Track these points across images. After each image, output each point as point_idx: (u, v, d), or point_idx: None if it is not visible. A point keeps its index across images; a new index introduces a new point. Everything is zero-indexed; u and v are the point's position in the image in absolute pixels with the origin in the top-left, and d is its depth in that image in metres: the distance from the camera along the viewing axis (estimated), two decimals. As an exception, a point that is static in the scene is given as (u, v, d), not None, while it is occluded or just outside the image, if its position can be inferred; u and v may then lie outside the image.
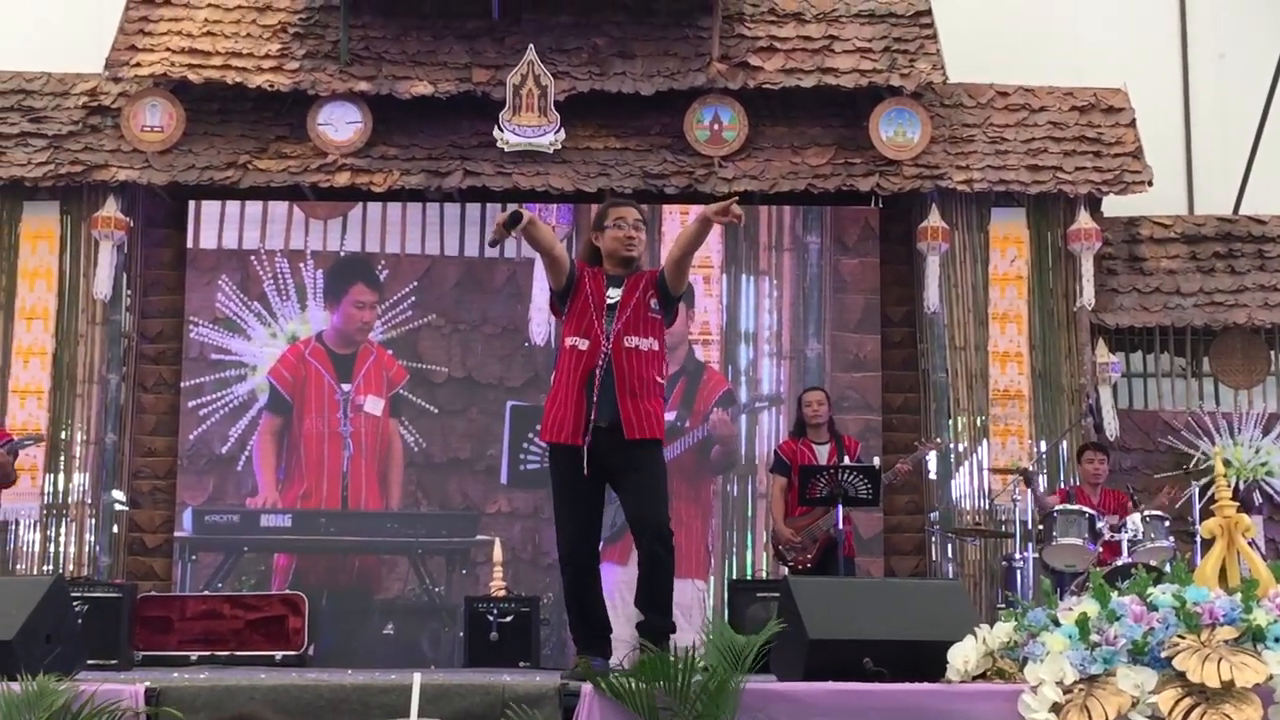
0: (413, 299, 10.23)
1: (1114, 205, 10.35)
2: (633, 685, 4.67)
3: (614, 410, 5.45)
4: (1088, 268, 9.97)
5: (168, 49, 9.99)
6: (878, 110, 10.04)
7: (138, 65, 9.91)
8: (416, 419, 10.11)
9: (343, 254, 10.26)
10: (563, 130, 9.91)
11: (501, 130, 9.88)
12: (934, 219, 9.98)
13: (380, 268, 10.26)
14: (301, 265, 10.24)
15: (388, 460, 10.09)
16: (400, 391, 10.14)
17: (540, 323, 10.12)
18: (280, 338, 10.21)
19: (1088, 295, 9.95)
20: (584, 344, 5.52)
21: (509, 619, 8.96)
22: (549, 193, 10.03)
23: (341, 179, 9.96)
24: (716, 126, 10.06)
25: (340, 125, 10.00)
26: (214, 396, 10.14)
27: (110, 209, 9.90)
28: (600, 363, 5.47)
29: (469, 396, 10.13)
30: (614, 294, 5.60)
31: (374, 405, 10.12)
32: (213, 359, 10.16)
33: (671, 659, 4.72)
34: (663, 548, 5.49)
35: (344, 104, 9.99)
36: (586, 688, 4.77)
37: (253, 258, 10.19)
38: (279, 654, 9.19)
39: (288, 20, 10.21)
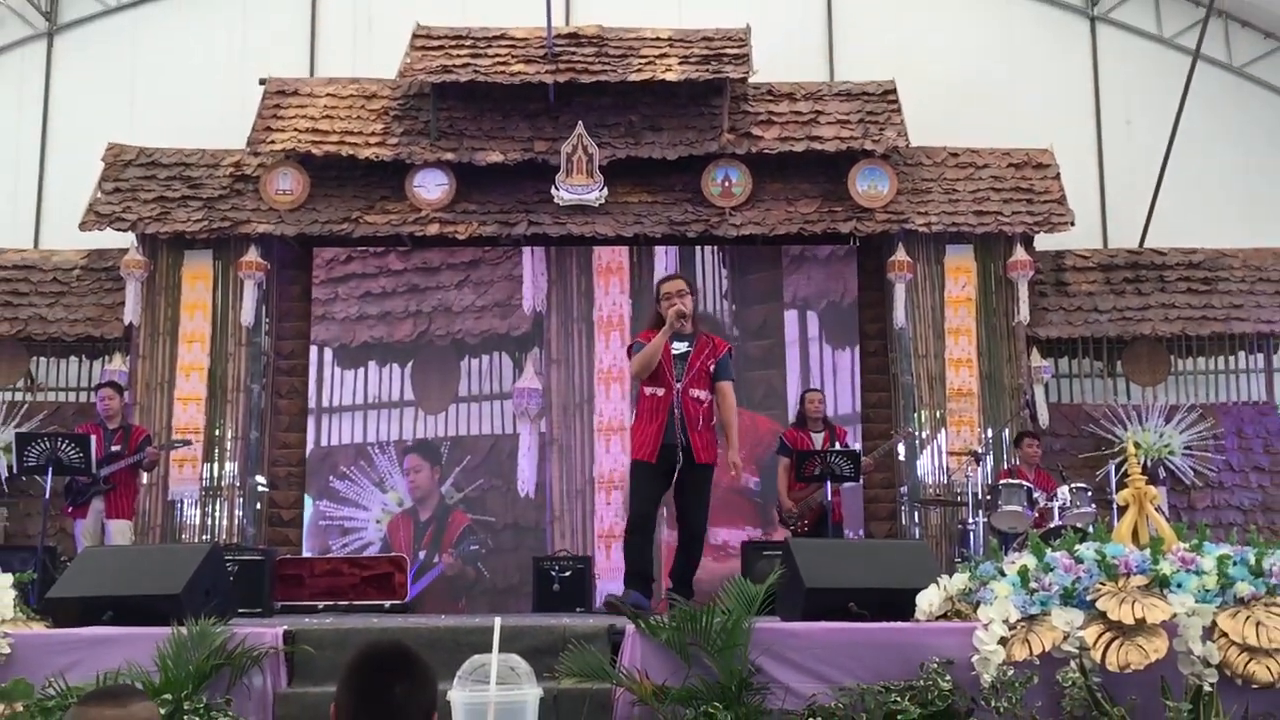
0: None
1: (1043, 241, 10.31)
2: (667, 624, 4.68)
3: (686, 439, 5.99)
4: (1023, 291, 9.93)
5: (295, 129, 10.06)
6: (855, 169, 10.03)
7: (272, 142, 9.99)
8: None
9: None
10: (606, 188, 9.93)
11: (557, 189, 9.91)
12: (900, 254, 9.96)
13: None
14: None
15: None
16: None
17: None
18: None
19: (1024, 313, 9.90)
20: (660, 391, 6.08)
21: (568, 574, 8.98)
22: (595, 238, 10.05)
23: (432, 229, 10.00)
24: (727, 183, 10.06)
25: (431, 187, 10.04)
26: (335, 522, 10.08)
27: (252, 255, 9.97)
28: (672, 406, 6.01)
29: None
30: (679, 346, 6.11)
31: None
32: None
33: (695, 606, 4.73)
34: (696, 543, 6.12)
35: (434, 170, 10.03)
36: (630, 627, 4.78)
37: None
38: (387, 603, 9.23)
39: (389, 105, 10.27)
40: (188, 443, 9.24)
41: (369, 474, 10.07)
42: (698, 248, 10.19)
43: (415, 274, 10.31)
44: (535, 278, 10.26)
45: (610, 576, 9.37)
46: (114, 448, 8.27)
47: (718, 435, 6.24)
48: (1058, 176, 10.20)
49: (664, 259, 10.24)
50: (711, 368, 6.15)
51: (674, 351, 6.10)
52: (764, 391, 10.16)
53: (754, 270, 10.28)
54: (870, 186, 10.01)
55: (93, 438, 7.99)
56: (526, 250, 10.25)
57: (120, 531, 8.19)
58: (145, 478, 9.18)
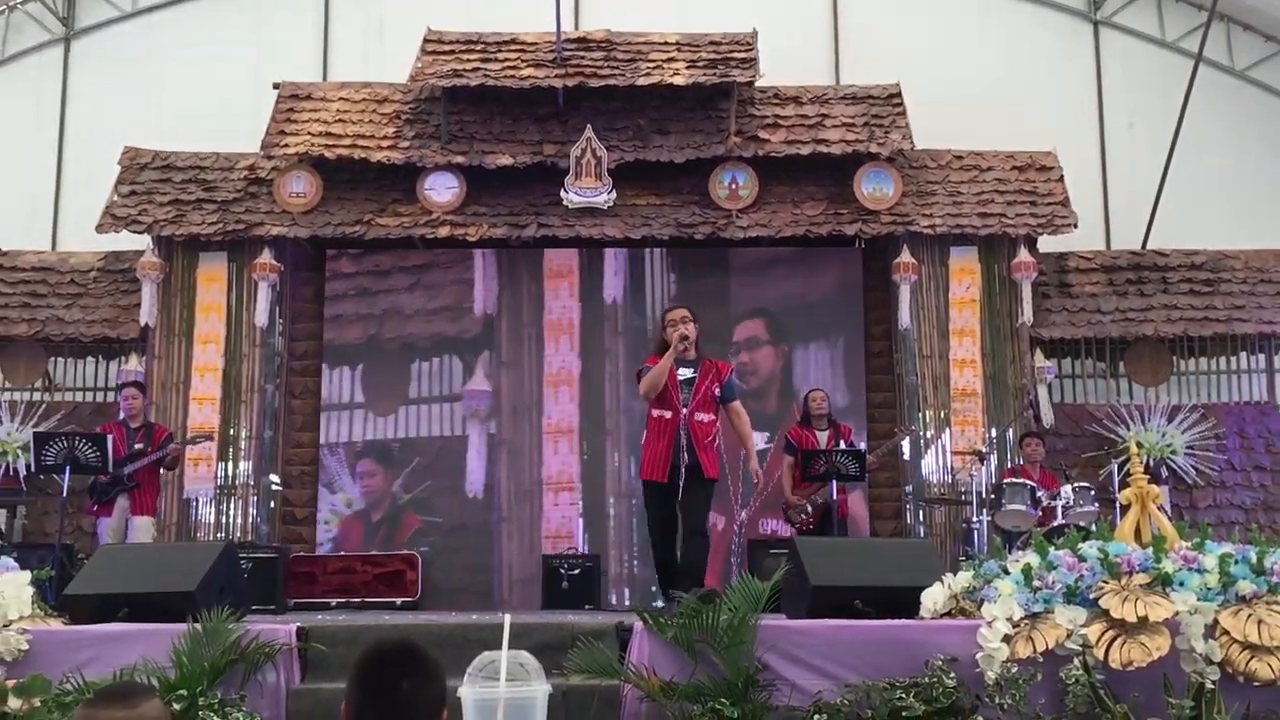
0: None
1: (1047, 243, 10.28)
2: (674, 622, 4.68)
3: (694, 458, 6.30)
4: (1027, 292, 9.90)
5: (309, 133, 10.07)
6: (860, 171, 10.01)
7: (286, 146, 10.00)
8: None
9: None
10: (614, 191, 9.92)
11: (566, 191, 9.91)
12: (905, 256, 9.94)
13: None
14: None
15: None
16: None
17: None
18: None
19: (1027, 314, 9.88)
20: (667, 414, 6.39)
21: (577, 571, 8.99)
22: (604, 239, 10.05)
23: (443, 231, 10.01)
24: (734, 186, 10.05)
25: (442, 190, 10.04)
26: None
27: (266, 257, 9.98)
28: (678, 429, 6.33)
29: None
30: (684, 372, 6.43)
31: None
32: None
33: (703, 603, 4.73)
34: (697, 537, 6.36)
35: (445, 173, 10.03)
36: (638, 624, 4.78)
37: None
38: (399, 600, 9.25)
39: (400, 109, 10.28)
40: (209, 438, 9.25)
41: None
42: (647, 252, 10.20)
43: (366, 277, 10.32)
44: (486, 281, 10.28)
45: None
46: (137, 445, 8.29)
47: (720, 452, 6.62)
48: (1061, 179, 10.17)
49: (614, 263, 10.27)
50: (716, 392, 6.52)
51: (680, 377, 6.44)
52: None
53: (702, 276, 10.26)
54: (876, 189, 9.99)
55: (110, 437, 8.01)
56: (478, 254, 10.25)
57: (144, 528, 8.21)
58: (165, 475, 9.16)
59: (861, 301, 10.34)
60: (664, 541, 6.46)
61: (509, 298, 10.32)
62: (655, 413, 6.48)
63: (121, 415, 8.41)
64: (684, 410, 6.40)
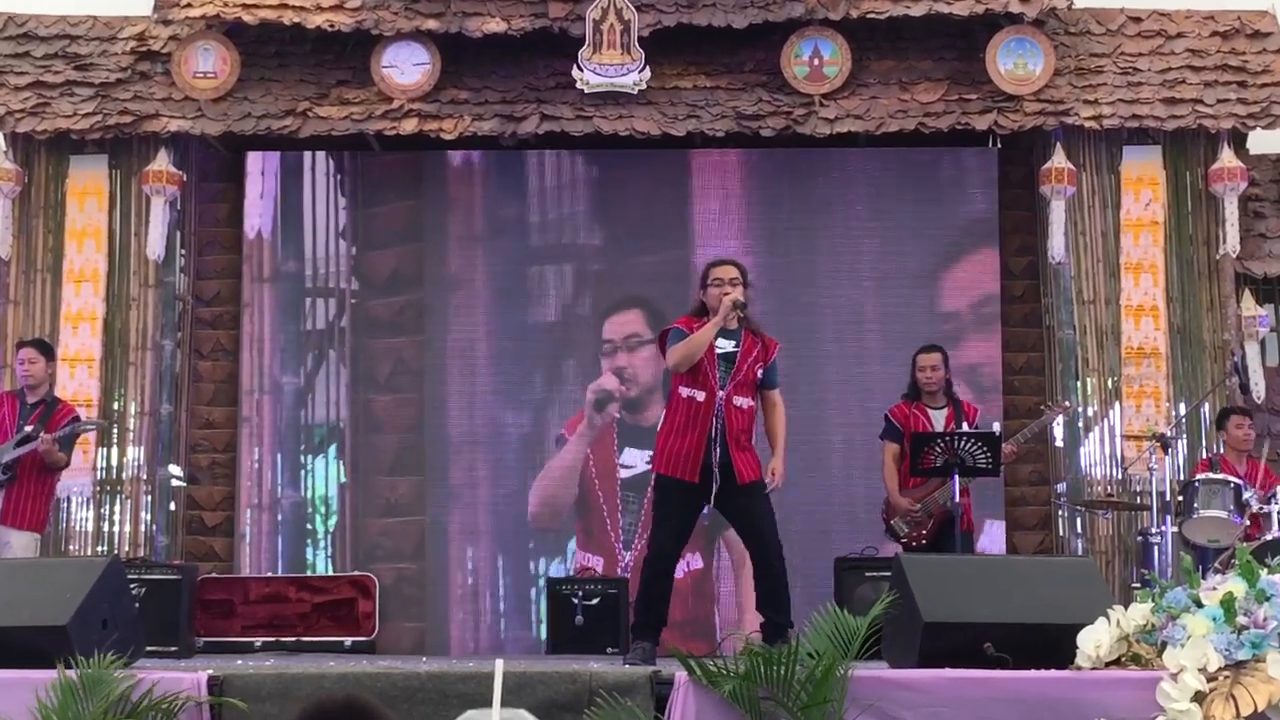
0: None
1: (1261, 141, 10.19)
2: (731, 672, 4.69)
3: (726, 457, 6.74)
4: (1231, 211, 9.81)
5: (220, -12, 10.07)
6: (995, 40, 9.92)
7: (188, 6, 9.97)
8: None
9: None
10: (648, 69, 9.87)
11: (581, 70, 9.86)
12: (1059, 160, 9.86)
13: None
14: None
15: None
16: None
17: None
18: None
19: (1232, 242, 9.79)
20: (700, 395, 6.82)
21: (595, 601, 9.02)
22: (633, 138, 10.01)
23: (408, 126, 10.00)
24: (816, 62, 9.98)
25: (406, 68, 10.02)
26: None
27: (162, 162, 10.00)
28: (715, 416, 6.76)
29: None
30: (724, 344, 6.87)
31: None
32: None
33: (773, 647, 4.74)
34: (778, 560, 6.83)
35: (410, 44, 10.00)
36: (681, 675, 4.80)
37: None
38: (348, 639, 9.32)
39: (349, -47, 10.24)
40: (103, 425, 9.32)
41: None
42: (691, 155, 10.20)
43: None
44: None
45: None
46: (28, 427, 8.36)
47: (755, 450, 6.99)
48: (1282, 49, 10.08)
49: (646, 170, 10.37)
50: (759, 373, 6.96)
51: (719, 350, 6.86)
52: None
53: (772, 185, 10.35)
54: (1017, 65, 9.90)
55: None
56: (455, 157, 10.33)
57: (22, 548, 8.26)
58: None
59: (996, 224, 10.30)
60: (663, 563, 6.91)
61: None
62: (684, 392, 6.86)
63: (20, 385, 8.54)
64: (720, 392, 6.79)
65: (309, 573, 10.03)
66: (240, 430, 10.27)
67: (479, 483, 10.17)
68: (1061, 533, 9.77)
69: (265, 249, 10.45)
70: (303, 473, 10.34)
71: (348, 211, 10.51)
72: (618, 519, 9.96)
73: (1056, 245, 9.85)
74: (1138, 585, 7.65)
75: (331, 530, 10.24)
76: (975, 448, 8.07)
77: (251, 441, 10.29)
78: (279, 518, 10.25)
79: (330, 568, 10.09)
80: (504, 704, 3.89)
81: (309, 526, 10.28)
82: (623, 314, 10.35)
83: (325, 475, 10.32)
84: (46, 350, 8.82)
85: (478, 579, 10.12)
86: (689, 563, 9.62)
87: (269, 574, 9.86)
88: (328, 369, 10.40)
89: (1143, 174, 10.05)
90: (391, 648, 9.72)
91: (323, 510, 10.30)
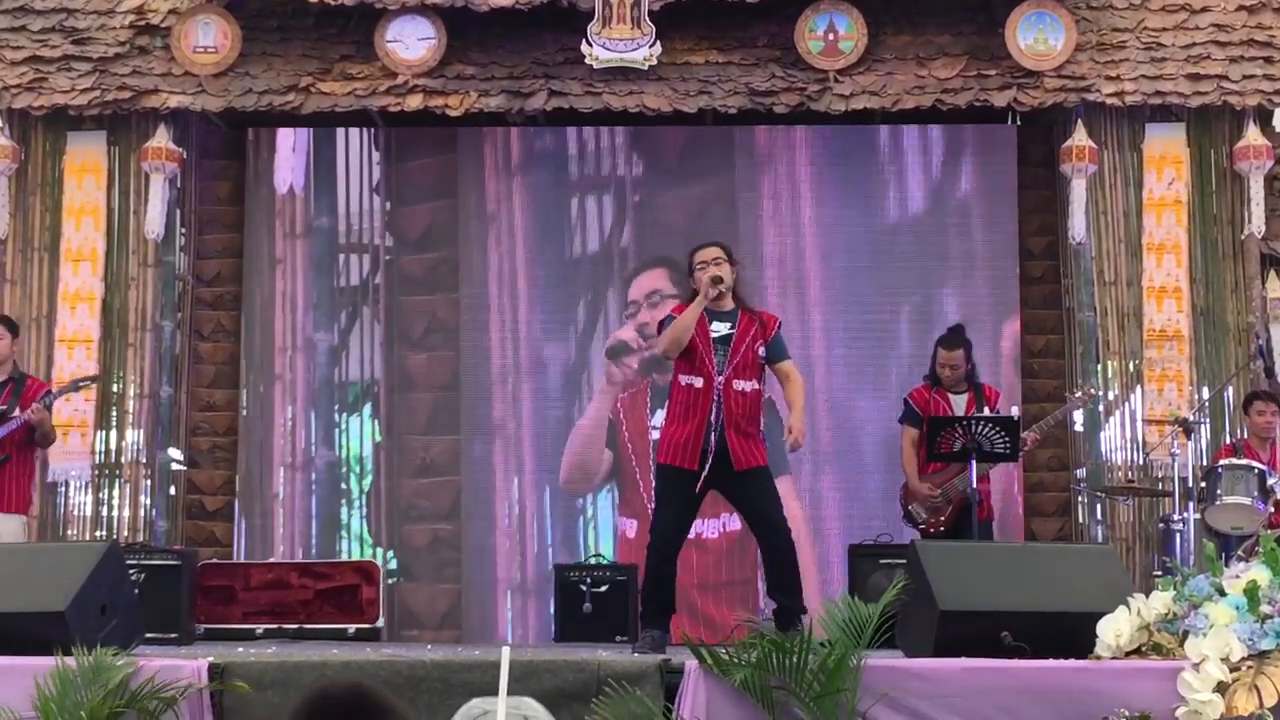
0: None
1: (1288, 118, 10.15)
2: (742, 660, 4.70)
3: (723, 443, 6.84)
4: (1257, 190, 9.78)
5: (221, -40, 10.06)
6: (1015, 14, 9.88)
7: (188, -21, 10.00)
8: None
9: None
10: (658, 44, 9.84)
11: (590, 45, 9.84)
12: (1080, 137, 9.83)
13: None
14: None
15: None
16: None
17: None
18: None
19: (1257, 221, 9.76)
20: (698, 382, 6.92)
21: (604, 588, 9.03)
22: (644, 114, 10.00)
23: (413, 102, 9.99)
24: (831, 36, 9.96)
25: (411, 42, 10.00)
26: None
27: (161, 139, 10.00)
28: (714, 402, 6.86)
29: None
30: (718, 327, 6.97)
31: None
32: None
33: (786, 634, 4.75)
34: (785, 540, 6.96)
35: (415, 18, 9.98)
36: (691, 664, 4.82)
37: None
38: (352, 627, 9.33)
39: (352, -75, 10.22)
40: (94, 379, 9.31)
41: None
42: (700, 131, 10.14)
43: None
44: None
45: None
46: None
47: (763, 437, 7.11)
48: (1310, 23, 10.04)
49: (657, 145, 10.36)
50: (761, 351, 7.03)
51: (714, 334, 6.96)
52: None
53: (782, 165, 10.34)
54: (1037, 39, 9.87)
55: None
56: (462, 133, 10.37)
57: (9, 532, 8.26)
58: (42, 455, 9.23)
59: (1015, 203, 10.29)
60: (668, 549, 7.01)
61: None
62: (683, 380, 7.00)
63: None
64: (719, 378, 6.89)
65: (343, 534, 10.14)
66: (273, 387, 10.32)
67: (522, 412, 10.23)
68: (1081, 519, 9.77)
69: (297, 204, 10.50)
70: (337, 431, 10.40)
71: (381, 167, 10.55)
72: (650, 481, 9.88)
73: (1077, 225, 9.82)
74: (1159, 573, 7.64)
75: (366, 490, 10.30)
76: (994, 433, 8.07)
77: (284, 400, 10.36)
78: (312, 478, 10.31)
79: (365, 528, 10.17)
80: (511, 693, 3.89)
81: (344, 486, 10.34)
82: (648, 273, 10.38)
83: (360, 434, 10.37)
84: (11, 326, 8.81)
85: (523, 509, 10.17)
86: (725, 523, 9.67)
87: (271, 559, 9.88)
88: (361, 326, 10.45)
89: (1166, 152, 10.02)
90: (425, 611, 9.93)
91: (357, 470, 10.38)
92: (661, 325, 7.20)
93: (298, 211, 10.49)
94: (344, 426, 10.38)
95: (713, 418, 6.86)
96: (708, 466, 6.85)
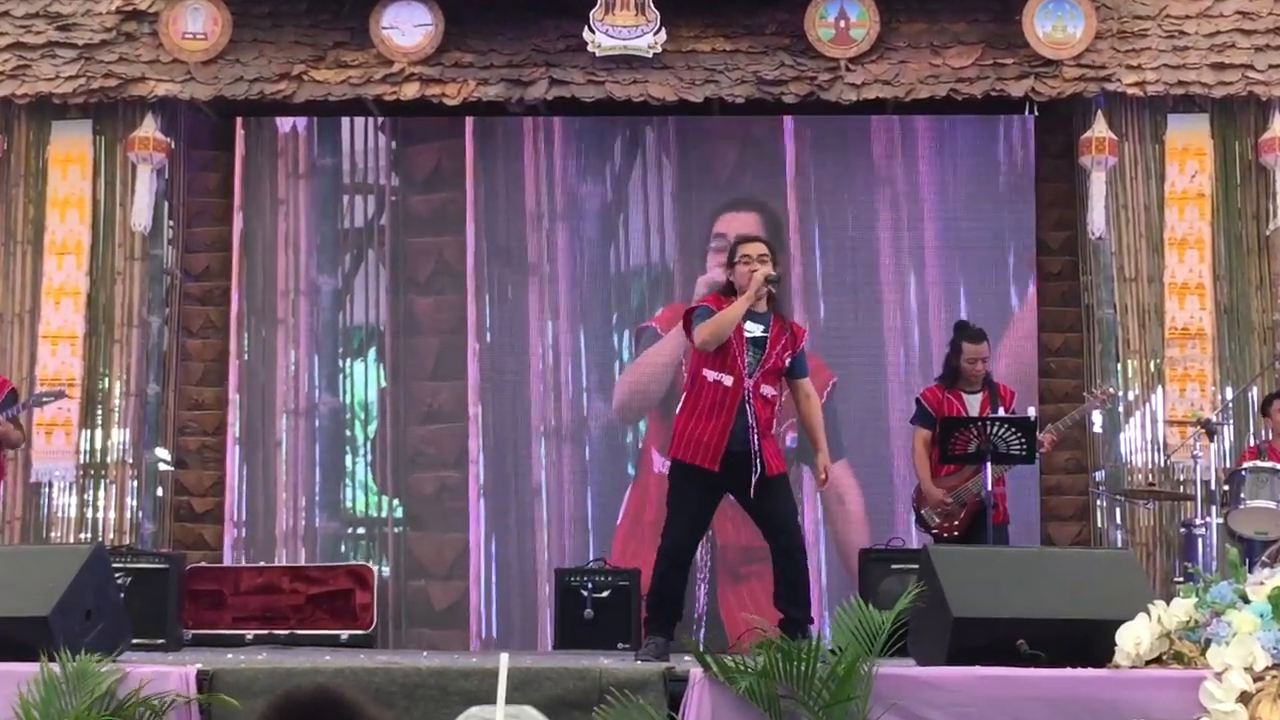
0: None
1: (1314, 109, 10.15)
2: (748, 668, 4.70)
3: (749, 446, 6.81)
4: (1283, 184, 9.81)
5: (211, -57, 10.07)
6: (1032, 2, 9.89)
7: (177, -37, 10.00)
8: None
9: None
10: (663, 31, 9.84)
11: (593, 31, 9.84)
12: (1100, 129, 9.83)
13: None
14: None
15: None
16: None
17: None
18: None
19: (1283, 216, 9.79)
20: (728, 380, 6.90)
21: (605, 594, 9.03)
22: (648, 103, 10.00)
23: (410, 90, 9.99)
24: (843, 23, 9.96)
25: (407, 29, 10.00)
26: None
27: (148, 128, 9.99)
28: (742, 403, 6.84)
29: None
30: (752, 327, 6.95)
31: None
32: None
33: (794, 642, 4.76)
34: (800, 554, 6.96)
35: (411, 4, 9.98)
36: (696, 672, 4.82)
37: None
38: (345, 633, 9.34)
39: (346, -92, 10.23)
40: (60, 394, 9.33)
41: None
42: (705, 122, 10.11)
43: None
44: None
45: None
46: None
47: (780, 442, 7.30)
48: (1338, 11, 10.04)
49: (661, 138, 10.30)
50: (787, 362, 7.07)
51: (748, 334, 6.94)
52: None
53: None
54: (1055, 27, 9.87)
55: None
56: (465, 124, 10.37)
57: None
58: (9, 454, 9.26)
59: (1032, 196, 10.30)
60: (680, 556, 7.02)
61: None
62: (710, 375, 6.95)
63: None
64: (749, 379, 6.89)
65: (347, 481, 10.18)
66: (275, 331, 10.34)
67: (558, 254, 10.37)
68: (1100, 523, 9.77)
69: (300, 143, 10.52)
70: (341, 377, 10.43)
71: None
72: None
73: (1097, 219, 9.82)
74: (1180, 579, 7.64)
75: (371, 437, 10.34)
76: (1009, 434, 8.06)
77: (287, 344, 10.38)
78: (316, 424, 10.35)
79: (370, 476, 10.20)
80: (510, 701, 3.91)
81: (348, 433, 10.38)
82: (737, 214, 10.38)
83: (365, 380, 10.41)
84: None
85: (558, 353, 10.24)
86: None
87: (261, 563, 9.88)
88: (366, 269, 10.48)
89: (1189, 144, 10.02)
90: (433, 560, 10.00)
91: (362, 416, 10.41)
92: (690, 314, 7.13)
93: (300, 150, 10.53)
94: (348, 372, 10.41)
95: (743, 419, 6.84)
96: (756, 472, 6.83)
